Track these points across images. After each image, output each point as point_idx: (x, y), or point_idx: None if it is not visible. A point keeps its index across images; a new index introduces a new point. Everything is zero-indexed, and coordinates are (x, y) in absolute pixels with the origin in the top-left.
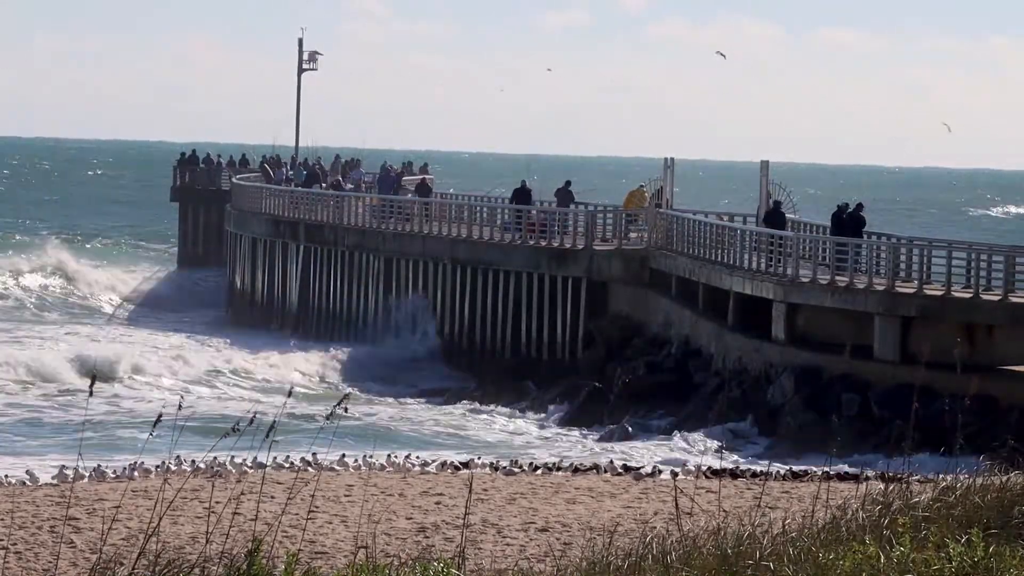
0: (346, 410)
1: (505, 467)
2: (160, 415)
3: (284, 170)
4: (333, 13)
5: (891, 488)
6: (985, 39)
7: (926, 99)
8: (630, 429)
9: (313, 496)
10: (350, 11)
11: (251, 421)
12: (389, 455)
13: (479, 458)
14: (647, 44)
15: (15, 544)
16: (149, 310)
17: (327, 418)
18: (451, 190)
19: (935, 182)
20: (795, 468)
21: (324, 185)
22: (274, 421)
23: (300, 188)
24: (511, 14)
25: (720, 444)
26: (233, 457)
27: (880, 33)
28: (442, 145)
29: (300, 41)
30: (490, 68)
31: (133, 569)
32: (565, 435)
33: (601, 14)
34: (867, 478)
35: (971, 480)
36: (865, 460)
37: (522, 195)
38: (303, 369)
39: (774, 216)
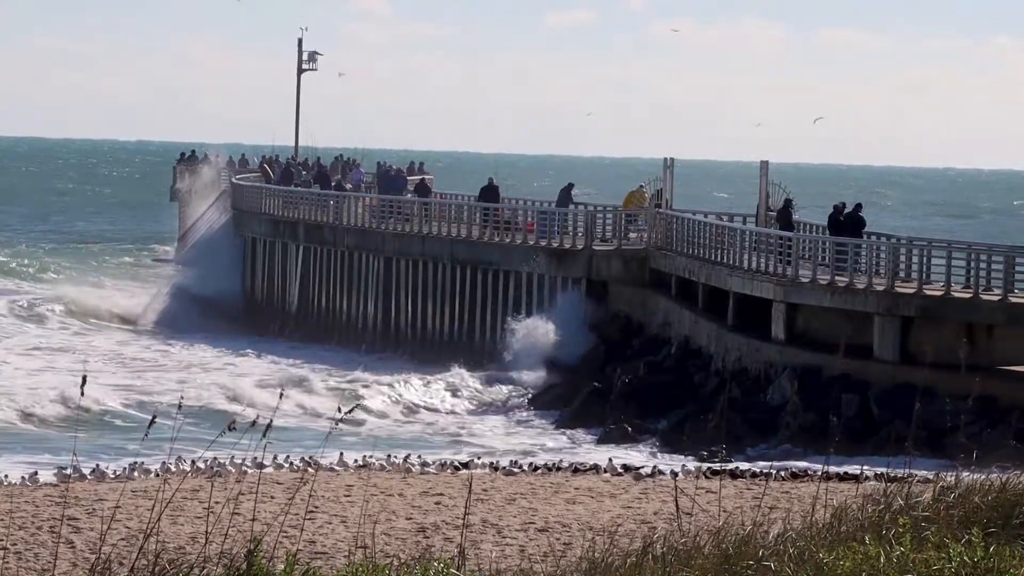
0: (350, 410)
1: (505, 467)
2: (151, 417)
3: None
4: (335, 13)
5: (891, 488)
6: (987, 39)
7: (927, 99)
8: (630, 430)
9: (312, 496)
10: (352, 12)
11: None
12: (389, 455)
13: (479, 458)
14: (650, 43)
15: (15, 544)
16: (151, 314)
17: (336, 422)
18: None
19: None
20: (795, 468)
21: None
22: (270, 421)
23: (293, 187)
24: (514, 14)
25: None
26: (233, 457)
27: (882, 33)
28: (443, 146)
29: (300, 41)
30: (493, 68)
31: (132, 569)
32: (565, 435)
33: (604, 14)
34: (867, 478)
35: (971, 480)
36: (865, 460)
37: (489, 192)
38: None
39: (783, 215)
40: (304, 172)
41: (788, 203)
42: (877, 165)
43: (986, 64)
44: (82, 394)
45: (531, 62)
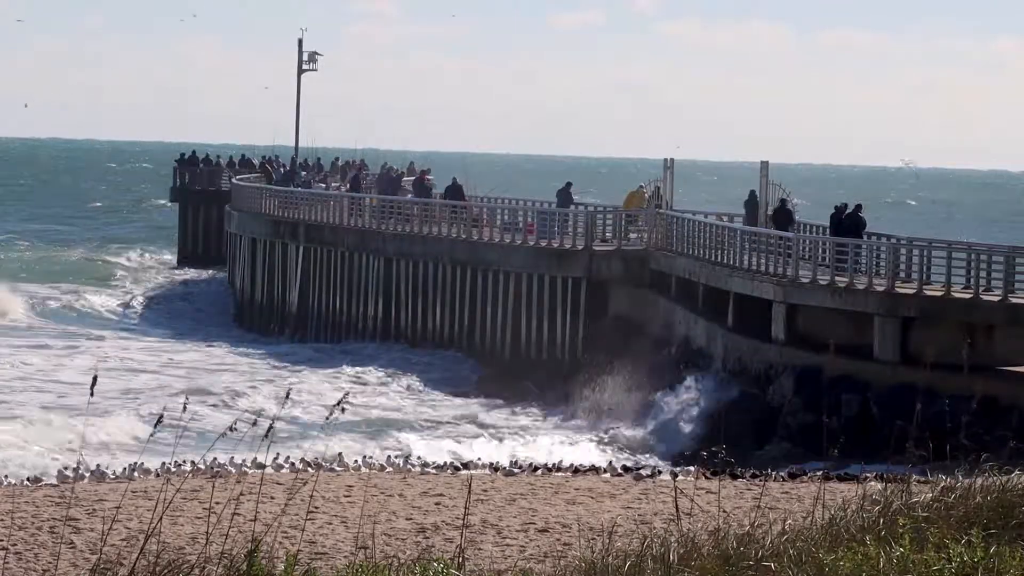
0: (343, 410)
1: (505, 468)
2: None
3: (286, 170)
4: (338, 14)
5: (891, 488)
6: (991, 40)
7: (929, 99)
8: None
9: (312, 496)
10: (355, 12)
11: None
12: (389, 456)
13: (479, 458)
14: (658, 44)
15: (15, 544)
16: (152, 315)
17: (327, 418)
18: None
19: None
20: (794, 469)
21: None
22: (271, 424)
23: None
24: (518, 15)
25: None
26: (233, 458)
27: (886, 33)
28: (445, 146)
29: (300, 42)
30: (498, 68)
31: (133, 569)
32: (565, 436)
33: (610, 15)
34: (866, 478)
35: (971, 480)
36: (864, 461)
37: (454, 191)
38: None
39: (780, 214)
40: (304, 172)
41: (784, 202)
42: (873, 165)
43: (989, 66)
44: (91, 393)
45: (536, 63)
